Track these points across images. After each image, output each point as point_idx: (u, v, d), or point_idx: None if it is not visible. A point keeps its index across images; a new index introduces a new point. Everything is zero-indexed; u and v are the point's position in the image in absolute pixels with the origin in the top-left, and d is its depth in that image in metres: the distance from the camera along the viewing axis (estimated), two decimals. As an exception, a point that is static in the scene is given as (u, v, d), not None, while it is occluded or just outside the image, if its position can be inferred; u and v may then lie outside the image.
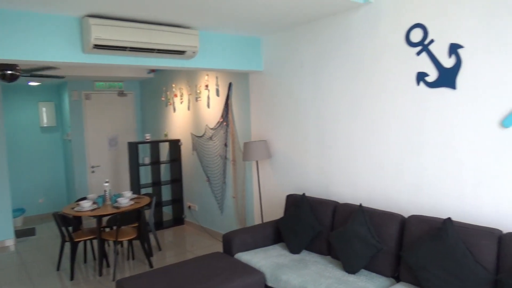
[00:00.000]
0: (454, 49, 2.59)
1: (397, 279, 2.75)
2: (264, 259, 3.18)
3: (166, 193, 6.69)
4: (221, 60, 4.03)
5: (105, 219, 4.71)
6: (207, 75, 5.39)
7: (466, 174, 2.60)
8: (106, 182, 4.64)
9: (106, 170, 7.20)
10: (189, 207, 6.12)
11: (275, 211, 4.34)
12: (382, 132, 3.11)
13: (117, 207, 4.32)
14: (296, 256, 3.23)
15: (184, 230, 6.01)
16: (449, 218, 2.41)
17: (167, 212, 6.81)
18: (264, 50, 4.29)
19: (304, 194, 3.46)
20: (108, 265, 4.57)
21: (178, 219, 6.30)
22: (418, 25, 2.79)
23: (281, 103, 4.12)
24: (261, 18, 3.49)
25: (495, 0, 2.37)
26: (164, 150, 6.64)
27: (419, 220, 2.64)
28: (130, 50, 3.31)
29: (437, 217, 2.61)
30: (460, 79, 2.57)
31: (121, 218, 4.10)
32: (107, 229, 4.78)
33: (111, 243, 5.32)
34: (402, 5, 2.88)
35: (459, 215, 2.66)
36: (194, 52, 3.63)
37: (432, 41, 2.71)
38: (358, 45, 3.25)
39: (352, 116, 3.35)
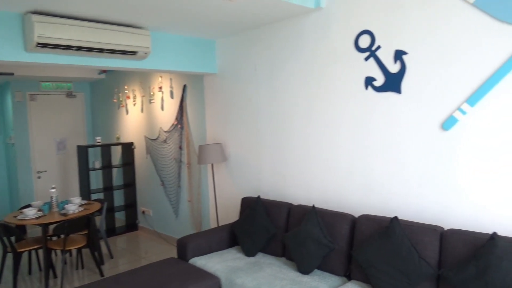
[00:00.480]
0: (399, 55, 2.71)
1: (349, 278, 2.83)
2: (219, 263, 3.15)
3: (118, 198, 6.46)
4: (175, 61, 3.96)
5: (52, 227, 4.46)
6: (161, 76, 5.28)
7: (411, 174, 2.73)
8: (53, 188, 4.40)
9: (54, 175, 6.83)
10: (143, 212, 5.95)
11: (231, 214, 4.32)
12: (334, 134, 3.19)
13: (64, 214, 4.10)
14: (251, 259, 3.23)
15: (138, 236, 5.83)
16: (395, 217, 2.51)
17: (120, 218, 6.57)
18: (219, 53, 4.27)
19: (259, 196, 3.47)
20: (55, 276, 4.33)
21: (131, 225, 6.11)
22: (366, 32, 2.90)
23: (236, 106, 4.11)
24: (215, 20, 3.47)
25: (435, 11, 2.51)
26: (116, 154, 6.41)
27: (368, 219, 2.73)
28: (77, 50, 3.16)
29: (385, 216, 2.72)
30: (405, 84, 2.70)
31: (69, 225, 3.90)
32: (54, 238, 4.53)
33: (58, 252, 5.05)
34: (351, 11, 2.98)
35: (405, 214, 2.78)
36: (146, 53, 3.54)
37: (379, 47, 2.83)
38: (311, 49, 3.32)
39: (306, 119, 3.41)
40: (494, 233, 2.12)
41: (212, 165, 4.28)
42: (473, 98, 2.37)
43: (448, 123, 2.49)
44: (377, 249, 2.52)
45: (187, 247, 3.36)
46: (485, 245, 2.12)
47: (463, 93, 2.42)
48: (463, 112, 2.42)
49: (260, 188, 3.92)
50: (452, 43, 2.45)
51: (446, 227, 2.57)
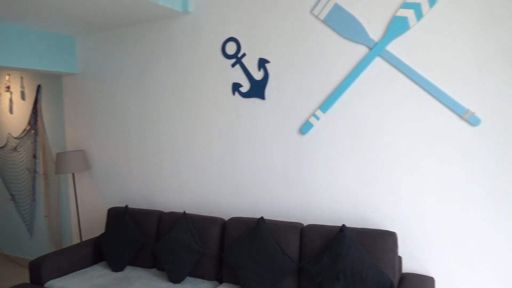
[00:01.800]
0: (262, 63, 2.86)
1: (221, 281, 2.86)
2: (82, 283, 2.85)
3: (-47, 219, 5.37)
4: (24, 58, 3.46)
5: None
6: (9, 74, 4.58)
7: (275, 176, 2.90)
8: None
9: None
10: (-12, 233, 5.06)
11: (96, 227, 3.97)
12: (205, 139, 3.20)
13: None
14: (119, 274, 3.01)
15: (-20, 262, 4.93)
16: (261, 218, 2.63)
17: (-44, 242, 5.46)
18: (80, 51, 3.90)
19: (126, 206, 3.26)
20: None
21: (-28, 250, 5.13)
22: (232, 39, 2.98)
23: (101, 109, 3.81)
24: (72, 15, 3.15)
25: (292, 24, 2.72)
26: (-50, 166, 5.32)
27: (237, 221, 2.80)
28: None
29: (253, 217, 2.83)
30: (268, 91, 2.87)
31: None
32: None
33: None
34: (218, 18, 3.04)
35: (272, 213, 2.94)
36: (-16, 47, 3.02)
37: (244, 54, 2.94)
38: (180, 53, 3.27)
39: (176, 123, 3.34)
40: (343, 225, 2.38)
41: (73, 174, 3.87)
42: (325, 105, 2.64)
43: (305, 128, 2.73)
44: (245, 250, 2.60)
45: (41, 268, 2.96)
46: (336, 237, 2.37)
47: (317, 101, 2.68)
48: (317, 118, 2.67)
49: (128, 197, 3.70)
50: (307, 54, 2.69)
51: (306, 223, 2.80)
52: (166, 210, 3.48)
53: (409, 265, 2.47)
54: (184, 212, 2.96)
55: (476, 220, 2.27)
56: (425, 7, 2.29)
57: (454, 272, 2.35)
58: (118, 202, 3.78)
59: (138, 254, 3.15)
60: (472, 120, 2.23)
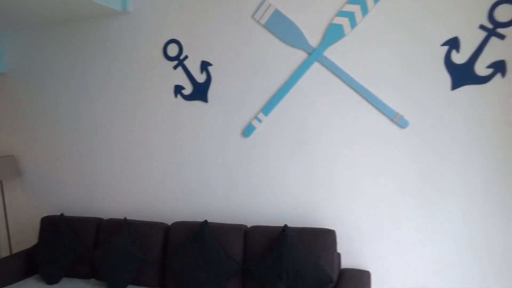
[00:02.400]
0: (205, 66, 2.86)
1: (164, 287, 2.80)
2: (11, 298, 2.65)
3: None
4: None
5: None
6: None
7: (219, 179, 2.90)
8: None
9: None
10: None
11: (29, 238, 3.70)
12: (146, 142, 3.12)
13: None
14: (54, 287, 2.84)
15: None
16: (205, 221, 2.62)
17: None
18: (9, 48, 3.62)
19: (62, 214, 3.09)
20: None
21: None
22: (174, 41, 2.94)
23: (34, 112, 3.56)
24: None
25: (234, 28, 2.75)
26: None
27: (181, 226, 2.77)
28: None
29: (196, 221, 2.80)
30: (211, 93, 2.87)
31: None
32: None
33: None
34: (159, 19, 2.98)
35: (216, 216, 2.94)
36: None
37: (186, 57, 2.91)
38: (120, 53, 3.16)
39: (116, 126, 3.23)
40: (285, 226, 2.44)
41: (1, 182, 3.58)
42: (267, 108, 2.69)
43: (247, 131, 2.76)
44: (189, 254, 2.57)
45: (-36, 286, 2.71)
46: (278, 237, 2.42)
47: (259, 104, 2.73)
48: (259, 121, 2.72)
49: (64, 205, 3.50)
50: (249, 58, 2.73)
51: (250, 225, 2.83)
52: (105, 217, 3.33)
53: (347, 261, 2.59)
54: (125, 218, 2.87)
55: (407, 217, 2.44)
56: (358, 16, 2.42)
57: (388, 265, 2.50)
58: (52, 210, 3.56)
59: (75, 264, 2.99)
60: (401, 123, 2.39)
